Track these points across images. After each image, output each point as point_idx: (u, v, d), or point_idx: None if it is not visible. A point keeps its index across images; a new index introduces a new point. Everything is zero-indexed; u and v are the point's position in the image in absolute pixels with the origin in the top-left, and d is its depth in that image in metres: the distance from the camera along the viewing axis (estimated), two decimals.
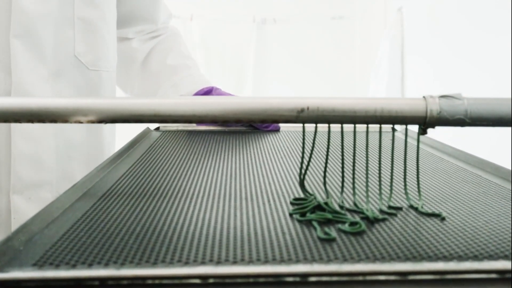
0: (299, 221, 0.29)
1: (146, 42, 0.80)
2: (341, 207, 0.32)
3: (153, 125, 0.70)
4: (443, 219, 0.30)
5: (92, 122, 0.31)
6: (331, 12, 2.53)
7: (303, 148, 0.34)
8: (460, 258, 0.23)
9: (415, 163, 0.35)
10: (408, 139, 0.40)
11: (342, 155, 0.34)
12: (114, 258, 0.23)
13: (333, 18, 2.54)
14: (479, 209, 0.33)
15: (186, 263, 0.22)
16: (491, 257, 0.23)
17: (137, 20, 0.79)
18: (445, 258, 0.23)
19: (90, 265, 0.22)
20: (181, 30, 0.90)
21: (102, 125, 0.70)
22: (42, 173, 0.62)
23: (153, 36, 0.81)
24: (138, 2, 0.78)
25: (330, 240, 0.26)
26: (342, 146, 0.34)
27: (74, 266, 0.22)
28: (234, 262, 0.23)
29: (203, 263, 0.23)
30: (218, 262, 0.23)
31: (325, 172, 0.36)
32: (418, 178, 0.35)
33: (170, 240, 0.26)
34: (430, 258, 0.23)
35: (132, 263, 0.22)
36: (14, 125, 0.59)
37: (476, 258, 0.23)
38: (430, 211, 0.32)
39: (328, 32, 2.54)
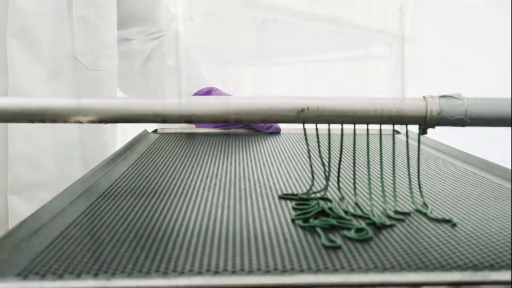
0: (302, 227, 0.28)
1: (146, 43, 0.79)
2: (346, 212, 0.31)
3: (151, 128, 0.69)
4: (454, 224, 0.29)
5: (92, 122, 0.30)
6: (331, 12, 2.52)
7: (308, 147, 0.33)
8: (475, 268, 0.22)
9: (423, 166, 0.34)
10: (411, 141, 0.38)
11: (340, 156, 0.33)
12: (104, 268, 0.21)
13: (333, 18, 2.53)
14: (491, 214, 0.31)
15: (182, 273, 0.21)
16: (508, 266, 0.22)
17: (138, 21, 0.78)
18: (459, 268, 0.22)
19: (78, 275, 0.21)
20: (181, 30, 0.89)
21: (102, 125, 0.69)
22: (40, 173, 0.61)
23: (154, 37, 0.80)
24: (139, 2, 0.77)
25: (335, 248, 0.24)
26: (341, 146, 0.32)
27: (61, 277, 0.21)
28: (233, 272, 0.21)
29: (200, 273, 0.21)
30: (216, 272, 0.21)
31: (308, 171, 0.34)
32: (419, 179, 0.34)
33: (165, 248, 0.24)
34: (443, 268, 0.22)
35: (123, 273, 0.21)
36: (11, 125, 0.58)
37: (492, 267, 0.22)
38: (440, 216, 0.30)
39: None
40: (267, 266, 0.22)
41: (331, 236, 0.26)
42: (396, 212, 0.31)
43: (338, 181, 0.33)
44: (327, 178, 0.34)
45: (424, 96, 0.30)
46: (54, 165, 0.61)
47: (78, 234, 0.27)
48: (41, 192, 0.60)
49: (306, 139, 0.33)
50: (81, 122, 0.29)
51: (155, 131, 0.69)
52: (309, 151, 0.33)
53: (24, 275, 0.21)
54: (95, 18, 0.65)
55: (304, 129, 0.32)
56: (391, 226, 0.28)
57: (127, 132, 0.66)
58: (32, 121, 0.29)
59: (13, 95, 0.57)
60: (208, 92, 0.72)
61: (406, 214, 0.31)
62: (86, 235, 0.26)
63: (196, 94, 0.72)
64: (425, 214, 0.31)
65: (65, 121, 0.29)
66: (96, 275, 0.21)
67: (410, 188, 0.34)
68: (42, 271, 0.21)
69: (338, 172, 0.33)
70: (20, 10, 0.57)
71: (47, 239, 0.26)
